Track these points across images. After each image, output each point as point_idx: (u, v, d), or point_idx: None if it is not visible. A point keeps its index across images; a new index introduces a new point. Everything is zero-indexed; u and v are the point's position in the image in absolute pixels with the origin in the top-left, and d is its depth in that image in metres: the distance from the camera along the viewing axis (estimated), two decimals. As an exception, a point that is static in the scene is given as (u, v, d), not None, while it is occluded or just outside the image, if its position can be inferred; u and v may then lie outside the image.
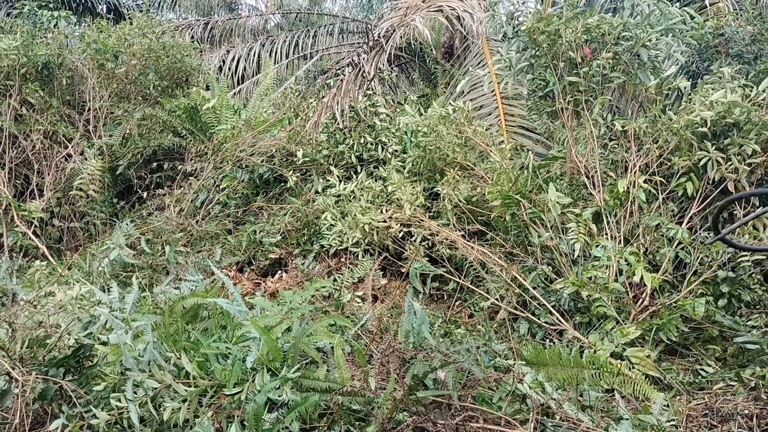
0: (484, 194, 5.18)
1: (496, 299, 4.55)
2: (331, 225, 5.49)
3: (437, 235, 5.04)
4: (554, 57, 4.95)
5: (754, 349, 3.77)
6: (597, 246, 4.35)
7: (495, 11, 5.52)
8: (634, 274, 4.07)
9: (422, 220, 5.21)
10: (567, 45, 4.83)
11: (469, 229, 5.19)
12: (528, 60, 5.17)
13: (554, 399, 3.10)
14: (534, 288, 4.39)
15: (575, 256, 4.45)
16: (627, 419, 2.99)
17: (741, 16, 6.21)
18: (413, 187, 5.50)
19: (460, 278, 4.87)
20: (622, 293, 4.08)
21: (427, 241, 5.25)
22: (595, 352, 3.65)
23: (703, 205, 4.51)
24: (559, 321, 4.17)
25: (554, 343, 4.09)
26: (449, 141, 5.47)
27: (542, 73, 5.15)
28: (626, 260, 4.17)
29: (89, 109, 6.72)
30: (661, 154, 4.61)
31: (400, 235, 5.31)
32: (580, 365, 3.43)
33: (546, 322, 4.26)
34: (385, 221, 5.26)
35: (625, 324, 3.91)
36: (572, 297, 4.26)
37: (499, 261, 4.61)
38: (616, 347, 3.71)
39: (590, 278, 4.16)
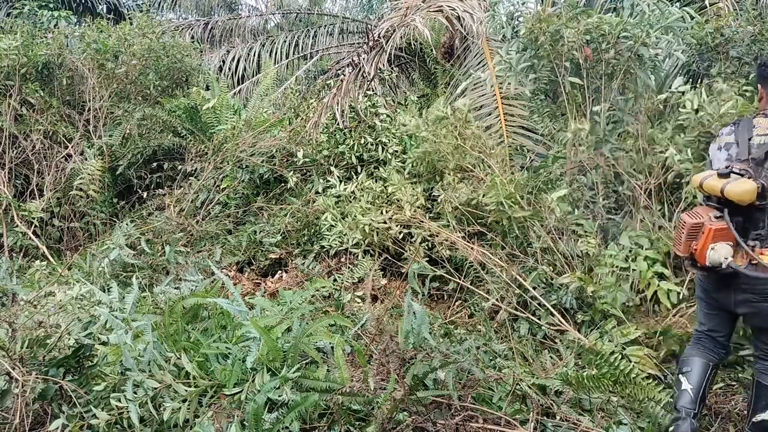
0: (482, 196, 5.17)
1: (497, 300, 4.55)
2: (332, 225, 5.48)
3: (437, 236, 5.04)
4: (556, 57, 4.95)
5: (754, 349, 3.76)
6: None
7: (495, 11, 5.51)
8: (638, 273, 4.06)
9: (422, 221, 5.20)
10: (568, 45, 4.83)
11: (469, 230, 5.19)
12: (528, 60, 5.17)
13: (554, 399, 3.10)
14: (534, 288, 4.39)
15: (578, 258, 4.44)
16: (626, 423, 2.99)
17: (741, 16, 6.19)
18: (413, 188, 5.50)
19: (460, 278, 4.87)
20: (627, 293, 4.07)
21: (427, 242, 5.25)
22: (595, 352, 3.65)
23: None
24: (560, 322, 4.17)
25: (554, 342, 4.09)
26: (448, 142, 5.46)
27: (543, 74, 5.14)
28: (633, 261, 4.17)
29: (89, 109, 6.71)
30: (661, 155, 4.61)
31: (401, 236, 5.30)
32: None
33: (546, 323, 4.26)
34: (385, 222, 5.26)
35: (630, 323, 3.89)
36: (575, 294, 4.24)
37: (499, 262, 4.61)
38: (615, 347, 3.71)
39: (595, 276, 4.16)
